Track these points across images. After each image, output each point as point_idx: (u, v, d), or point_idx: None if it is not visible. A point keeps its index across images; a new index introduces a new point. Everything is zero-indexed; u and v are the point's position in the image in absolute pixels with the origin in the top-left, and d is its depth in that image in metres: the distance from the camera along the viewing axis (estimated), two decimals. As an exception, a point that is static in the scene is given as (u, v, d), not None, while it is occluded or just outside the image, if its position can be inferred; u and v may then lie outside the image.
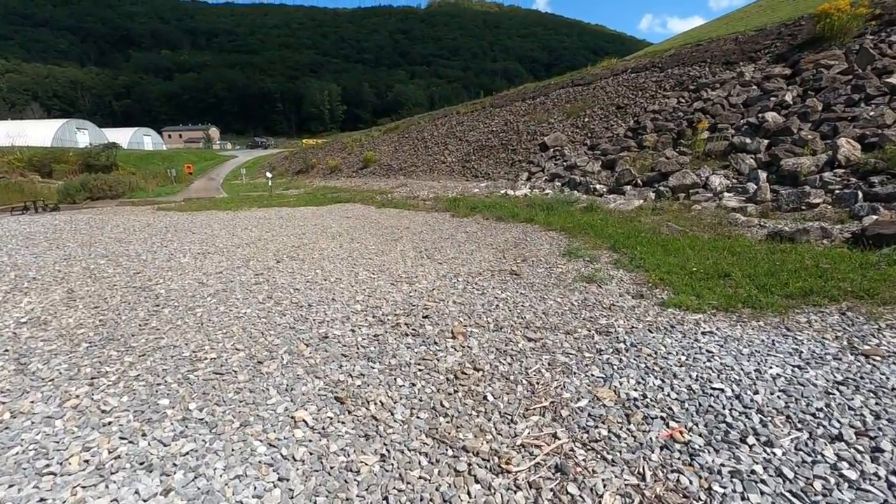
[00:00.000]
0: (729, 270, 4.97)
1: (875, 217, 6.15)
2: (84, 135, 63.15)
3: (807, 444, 2.04)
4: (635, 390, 2.58)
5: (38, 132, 56.33)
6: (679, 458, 2.03)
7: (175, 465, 2.17)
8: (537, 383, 2.76)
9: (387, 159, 27.18)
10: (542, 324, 3.80)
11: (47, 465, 2.18)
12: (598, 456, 2.08)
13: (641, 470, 1.98)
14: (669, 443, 2.13)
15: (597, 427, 2.28)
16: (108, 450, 2.30)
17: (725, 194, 8.65)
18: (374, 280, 5.49)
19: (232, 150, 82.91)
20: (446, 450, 2.21)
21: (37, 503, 1.96)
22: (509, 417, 2.44)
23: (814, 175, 7.91)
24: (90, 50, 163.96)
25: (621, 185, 11.19)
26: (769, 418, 2.23)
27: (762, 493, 1.83)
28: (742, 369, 2.72)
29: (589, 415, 2.39)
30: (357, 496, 1.96)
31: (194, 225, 10.71)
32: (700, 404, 2.39)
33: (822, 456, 1.96)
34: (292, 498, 1.96)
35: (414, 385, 2.86)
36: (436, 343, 3.51)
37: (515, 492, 1.93)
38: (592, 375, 2.80)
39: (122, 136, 68.91)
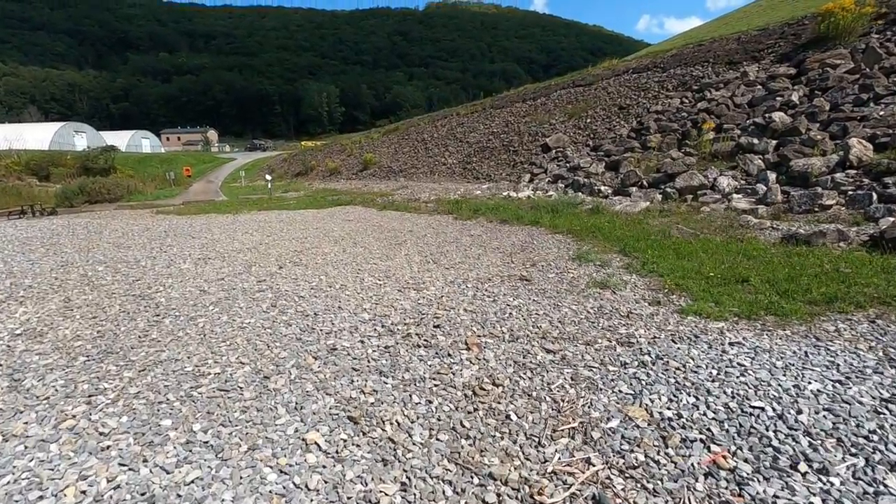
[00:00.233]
0: (746, 275, 4.82)
1: (892, 219, 6.01)
2: (82, 138, 63.01)
3: (865, 472, 1.88)
4: (668, 408, 2.42)
5: (36, 135, 56.19)
6: (727, 488, 1.88)
7: (179, 495, 2.01)
8: (562, 400, 2.60)
9: (387, 161, 27.04)
10: (560, 333, 3.65)
11: (41, 498, 2.02)
12: (638, 485, 1.93)
13: (687, 501, 1.82)
14: (714, 469, 1.97)
15: (632, 451, 2.13)
16: (107, 478, 2.14)
17: (734, 196, 8.51)
18: (381, 287, 5.33)
19: (230, 153, 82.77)
20: (471, 477, 2.05)
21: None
22: (536, 440, 2.28)
23: (825, 176, 7.78)
24: (88, 53, 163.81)
25: (626, 187, 11.04)
26: (819, 441, 2.07)
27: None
28: (780, 385, 2.56)
29: (622, 437, 2.23)
30: (377, 531, 1.80)
31: (194, 229, 10.55)
32: (741, 425, 2.24)
33: (885, 486, 1.81)
34: (307, 533, 1.81)
35: (430, 402, 2.70)
36: (450, 355, 3.36)
37: (550, 525, 1.78)
38: (620, 392, 2.64)
39: (120, 139, 68.80)
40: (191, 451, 2.33)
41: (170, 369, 3.26)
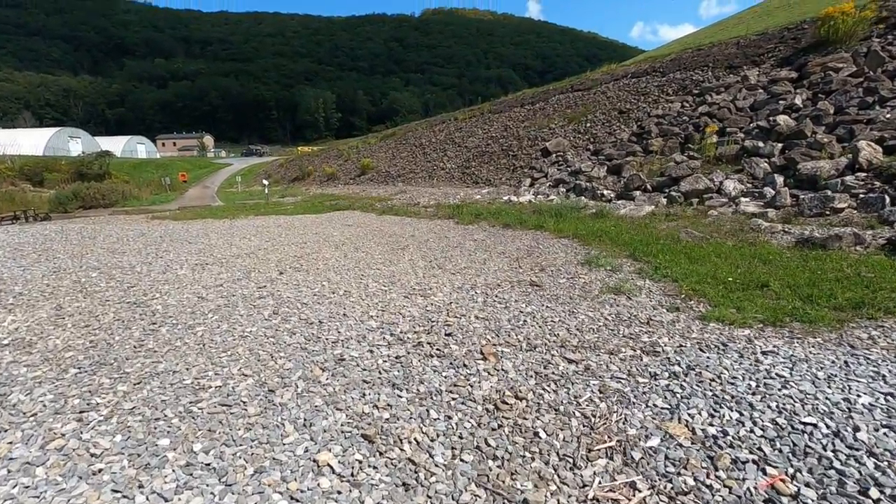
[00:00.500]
0: (766, 280, 4.67)
1: (909, 222, 5.89)
2: (77, 143, 62.59)
3: (946, 498, 1.70)
4: (711, 425, 2.24)
5: (30, 141, 55.78)
6: (792, 517, 1.69)
7: (179, 527, 1.81)
8: (594, 416, 2.41)
9: (384, 166, 26.88)
10: (579, 342, 3.47)
11: (24, 531, 1.81)
12: (691, 514, 1.74)
13: (748, 532, 1.64)
14: (773, 495, 1.79)
15: (680, 474, 1.94)
16: (99, 507, 1.93)
17: (742, 199, 8.37)
18: (386, 293, 5.14)
19: (226, 158, 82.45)
20: (503, 504, 1.86)
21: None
22: (571, 460, 2.09)
23: (834, 179, 7.66)
24: (83, 59, 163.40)
25: (630, 191, 10.91)
26: (885, 463, 1.89)
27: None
28: (828, 398, 2.38)
29: (666, 458, 2.04)
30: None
31: (190, 234, 10.32)
32: (794, 444, 2.05)
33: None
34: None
35: (450, 418, 2.50)
36: (465, 365, 3.16)
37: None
38: (655, 406, 2.45)
39: (115, 145, 68.43)
40: (191, 474, 2.12)
41: (167, 382, 3.05)
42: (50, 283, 5.91)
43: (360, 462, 2.17)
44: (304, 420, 2.54)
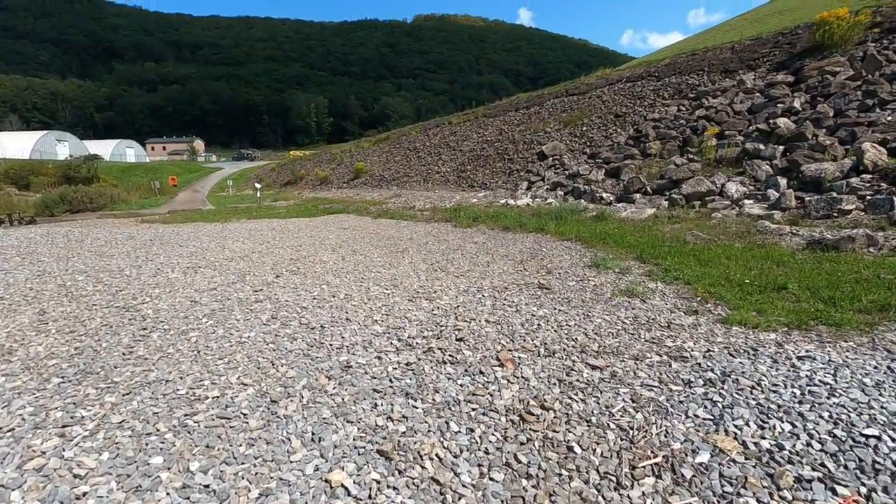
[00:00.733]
0: (783, 282, 4.52)
1: (921, 224, 5.79)
2: (64, 147, 61.73)
3: None
4: (763, 438, 2.05)
5: (16, 144, 54.90)
6: (876, 545, 1.50)
7: (175, 561, 1.57)
8: (631, 427, 2.21)
9: (378, 170, 26.66)
10: (600, 347, 3.27)
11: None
12: (762, 542, 1.54)
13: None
14: (850, 519, 1.60)
15: (740, 495, 1.74)
16: (82, 538, 1.69)
17: (746, 202, 8.27)
18: (389, 296, 4.92)
19: (217, 163, 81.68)
20: (545, 531, 1.65)
21: None
22: (614, 479, 1.88)
23: (839, 181, 7.59)
24: (72, 62, 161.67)
25: (630, 194, 10.80)
26: (967, 480, 1.72)
27: None
28: (884, 407, 2.20)
29: (721, 476, 1.85)
30: None
31: (181, 237, 10.01)
32: (860, 459, 1.87)
33: None
34: None
35: (473, 431, 2.29)
36: (481, 372, 2.95)
37: None
38: (696, 417, 2.26)
39: (104, 148, 67.51)
40: (188, 497, 1.89)
41: (159, 392, 2.81)
42: (33, 287, 5.61)
43: (378, 482, 1.95)
44: (312, 434, 2.31)
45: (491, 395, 2.64)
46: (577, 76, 25.49)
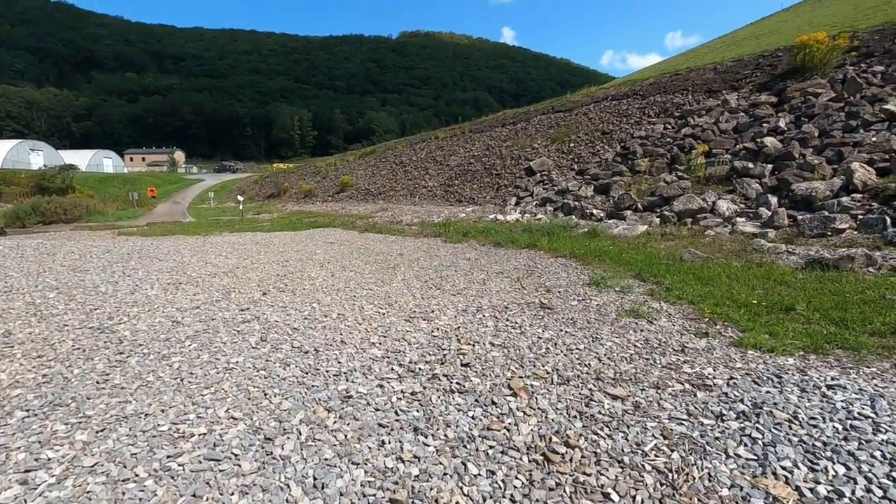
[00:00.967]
0: (790, 303, 4.43)
1: (917, 243, 5.80)
2: (38, 156, 60.12)
3: None
4: (816, 482, 1.87)
5: (-13, 153, 53.16)
6: None
7: None
8: (668, 469, 2.01)
9: (364, 183, 26.42)
10: (616, 374, 3.09)
11: None
12: None
13: None
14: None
15: (809, 554, 1.56)
16: None
17: (738, 219, 8.27)
18: (384, 316, 4.68)
19: (198, 174, 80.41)
20: None
21: None
22: (661, 533, 1.68)
23: (830, 200, 7.64)
24: (50, 71, 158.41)
25: (621, 210, 10.77)
26: None
27: None
28: (938, 445, 2.06)
29: (783, 530, 1.66)
30: None
31: (161, 251, 9.61)
32: (929, 507, 1.71)
33: None
34: None
35: (494, 473, 2.06)
36: (494, 403, 2.74)
37: None
38: (739, 456, 2.07)
39: (80, 158, 65.93)
40: (173, 562, 1.62)
41: (138, 428, 2.51)
42: (-1, 306, 5.21)
43: (394, 539, 1.71)
44: (314, 479, 2.05)
45: (508, 430, 2.42)
46: (559, 94, 25.87)
